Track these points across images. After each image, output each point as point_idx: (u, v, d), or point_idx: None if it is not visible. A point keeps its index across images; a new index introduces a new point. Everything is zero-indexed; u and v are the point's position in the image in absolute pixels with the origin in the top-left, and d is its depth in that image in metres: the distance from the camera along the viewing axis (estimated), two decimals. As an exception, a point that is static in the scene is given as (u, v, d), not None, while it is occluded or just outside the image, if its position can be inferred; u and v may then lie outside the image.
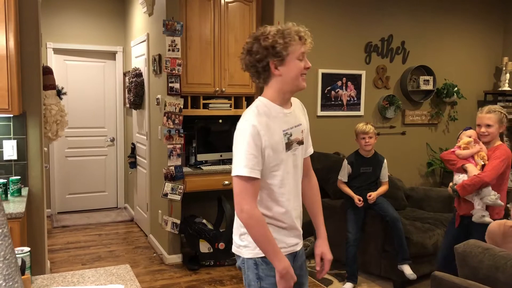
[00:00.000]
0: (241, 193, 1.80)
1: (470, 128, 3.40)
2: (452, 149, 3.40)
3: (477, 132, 3.31)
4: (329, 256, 2.06)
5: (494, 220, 3.17)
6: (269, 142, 1.82)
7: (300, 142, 1.96)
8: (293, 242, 1.99)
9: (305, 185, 2.10)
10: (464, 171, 3.27)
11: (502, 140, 3.45)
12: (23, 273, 1.50)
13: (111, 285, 1.66)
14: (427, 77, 5.86)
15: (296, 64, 1.84)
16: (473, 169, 3.21)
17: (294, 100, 2.03)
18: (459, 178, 3.29)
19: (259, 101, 1.91)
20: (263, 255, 1.87)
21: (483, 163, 3.22)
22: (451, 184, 3.38)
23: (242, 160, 1.79)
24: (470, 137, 3.32)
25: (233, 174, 1.81)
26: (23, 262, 1.53)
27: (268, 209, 1.91)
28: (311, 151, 2.11)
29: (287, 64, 1.83)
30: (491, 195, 3.12)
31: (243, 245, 1.94)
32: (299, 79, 1.86)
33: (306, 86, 1.95)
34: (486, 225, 3.16)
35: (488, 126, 3.23)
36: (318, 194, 2.16)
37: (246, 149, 1.78)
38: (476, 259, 2.18)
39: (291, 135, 1.90)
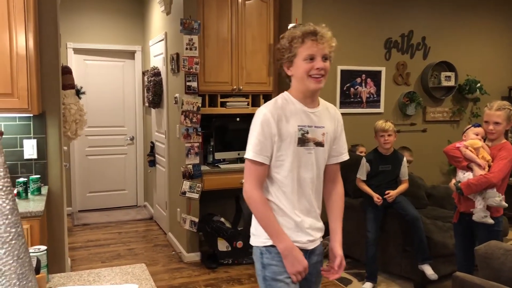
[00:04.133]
0: (246, 174, 1.94)
1: (479, 126, 3.31)
2: (457, 144, 3.30)
3: (485, 129, 3.22)
4: (344, 261, 2.06)
5: (493, 218, 3.12)
6: (279, 130, 1.89)
7: (319, 144, 1.97)
8: (301, 239, 1.97)
9: (329, 190, 2.12)
10: (470, 169, 3.18)
11: (506, 136, 3.35)
12: (38, 272, 1.51)
13: (125, 284, 1.66)
14: (448, 73, 5.75)
15: (301, 65, 1.88)
16: (479, 169, 3.13)
17: (327, 105, 2.07)
18: (464, 176, 3.21)
19: (282, 94, 1.99)
20: (267, 243, 1.94)
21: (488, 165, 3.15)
22: (454, 181, 3.30)
23: (250, 144, 1.92)
24: (477, 134, 3.24)
25: (244, 156, 1.96)
26: (38, 261, 1.53)
27: (275, 198, 1.96)
28: (343, 158, 2.11)
29: (295, 65, 1.91)
30: (496, 197, 3.05)
31: (252, 233, 2.04)
32: (307, 80, 1.89)
33: (327, 83, 1.97)
34: (488, 225, 3.10)
35: (497, 123, 3.14)
36: (341, 201, 2.13)
37: (255, 135, 1.90)
38: (498, 261, 2.12)
39: (307, 132, 1.93)
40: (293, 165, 1.93)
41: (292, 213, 1.95)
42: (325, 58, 1.89)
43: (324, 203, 2.11)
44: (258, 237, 1.99)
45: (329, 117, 2.03)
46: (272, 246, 1.93)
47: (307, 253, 1.99)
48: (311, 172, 1.98)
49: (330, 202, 2.13)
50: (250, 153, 1.91)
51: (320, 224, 2.07)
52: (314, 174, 1.99)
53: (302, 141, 1.93)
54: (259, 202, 1.91)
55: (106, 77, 6.47)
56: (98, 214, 6.37)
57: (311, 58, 1.87)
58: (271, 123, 1.88)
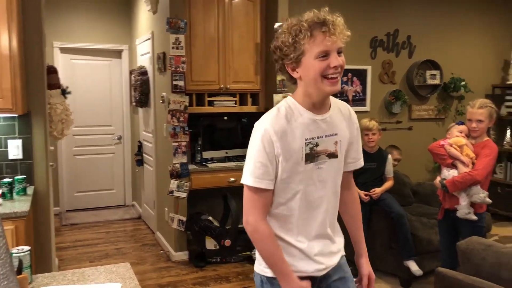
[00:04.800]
0: (247, 203, 1.63)
1: (463, 123, 3.36)
2: (441, 142, 3.35)
3: (468, 127, 3.28)
4: (373, 275, 1.87)
5: (477, 215, 3.17)
6: (283, 149, 1.58)
7: (332, 155, 1.67)
8: (307, 268, 1.69)
9: (346, 199, 1.86)
10: (454, 166, 3.23)
11: (488, 134, 3.41)
12: (20, 273, 1.51)
13: (109, 283, 1.67)
14: (433, 72, 5.81)
15: (313, 65, 1.52)
16: (464, 166, 3.18)
17: (338, 105, 1.74)
18: (449, 173, 3.26)
19: (285, 102, 1.66)
20: (269, 274, 1.69)
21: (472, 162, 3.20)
22: (439, 178, 3.35)
23: (249, 167, 1.61)
24: (461, 132, 3.29)
25: (241, 181, 1.65)
26: (20, 261, 1.54)
27: (274, 224, 1.68)
28: (359, 164, 1.84)
29: (303, 66, 1.55)
30: (480, 194, 3.11)
31: (256, 257, 1.77)
32: (321, 82, 1.54)
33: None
34: (472, 221, 3.15)
35: (479, 121, 3.20)
36: (359, 208, 1.92)
37: (255, 156, 1.59)
38: (479, 257, 2.16)
39: (316, 145, 1.62)
40: (300, 187, 1.63)
41: (294, 240, 1.67)
42: (339, 52, 1.55)
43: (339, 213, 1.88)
44: (259, 263, 1.73)
45: (342, 120, 1.71)
46: (275, 278, 1.67)
47: (317, 280, 1.72)
48: (324, 190, 1.68)
49: (348, 211, 1.89)
50: (250, 178, 1.59)
51: (336, 246, 1.78)
52: (329, 191, 1.70)
53: (311, 156, 1.62)
54: (266, 237, 1.62)
55: (93, 76, 6.44)
56: (86, 213, 6.34)
57: (325, 55, 1.52)
58: (274, 141, 1.56)
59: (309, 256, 1.68)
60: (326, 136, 1.64)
